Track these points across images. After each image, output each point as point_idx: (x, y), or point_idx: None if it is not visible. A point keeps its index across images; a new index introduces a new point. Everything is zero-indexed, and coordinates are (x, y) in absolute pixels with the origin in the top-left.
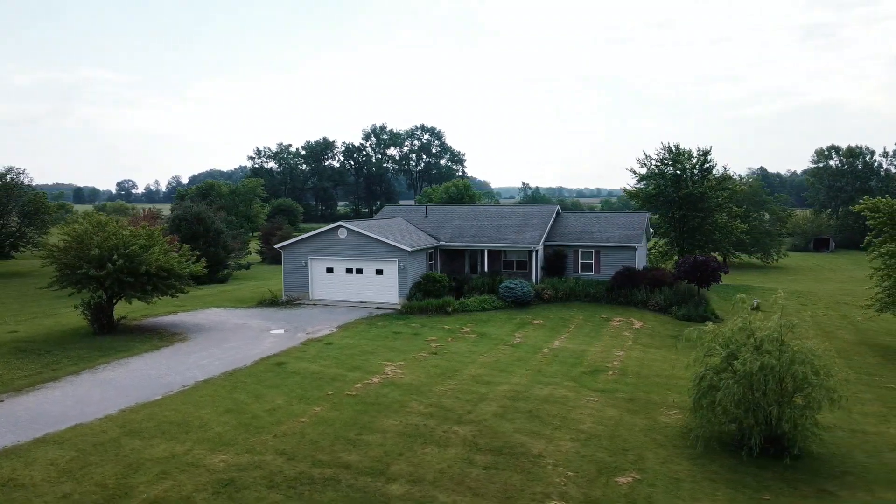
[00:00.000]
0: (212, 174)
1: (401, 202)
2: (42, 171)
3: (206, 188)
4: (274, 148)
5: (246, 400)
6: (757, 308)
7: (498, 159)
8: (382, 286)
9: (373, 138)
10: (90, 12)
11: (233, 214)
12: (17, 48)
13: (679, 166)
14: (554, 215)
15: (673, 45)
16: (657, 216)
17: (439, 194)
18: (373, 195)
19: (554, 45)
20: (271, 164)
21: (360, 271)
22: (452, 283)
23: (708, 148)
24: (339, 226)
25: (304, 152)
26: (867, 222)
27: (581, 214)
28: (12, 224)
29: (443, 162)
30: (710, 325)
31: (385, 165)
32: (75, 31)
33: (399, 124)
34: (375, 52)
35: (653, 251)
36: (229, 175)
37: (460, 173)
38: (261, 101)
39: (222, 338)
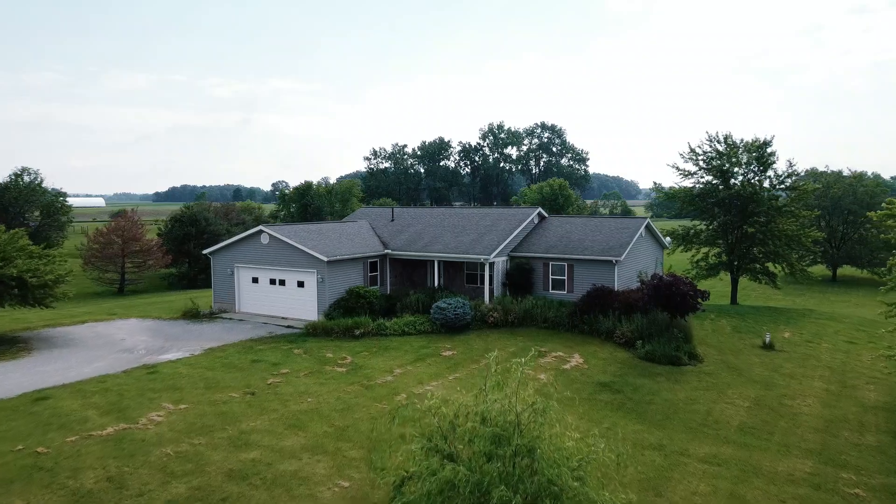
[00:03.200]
0: (357, 175)
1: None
2: (223, 172)
3: (304, 188)
4: (389, 149)
5: None
6: (769, 346)
7: (655, 159)
8: (303, 301)
9: (490, 137)
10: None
11: (328, 213)
12: (219, 64)
13: (734, 159)
14: (532, 220)
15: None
16: (704, 223)
17: (533, 195)
18: (489, 196)
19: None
20: (386, 165)
21: (282, 283)
22: (394, 299)
23: (768, 138)
24: (261, 230)
25: (419, 153)
26: (887, 236)
27: (567, 220)
28: (32, 223)
29: (564, 161)
30: (433, 399)
31: (502, 165)
32: (268, 46)
33: (519, 123)
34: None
35: (701, 263)
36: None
37: (582, 173)
38: (411, 103)
39: (62, 356)
